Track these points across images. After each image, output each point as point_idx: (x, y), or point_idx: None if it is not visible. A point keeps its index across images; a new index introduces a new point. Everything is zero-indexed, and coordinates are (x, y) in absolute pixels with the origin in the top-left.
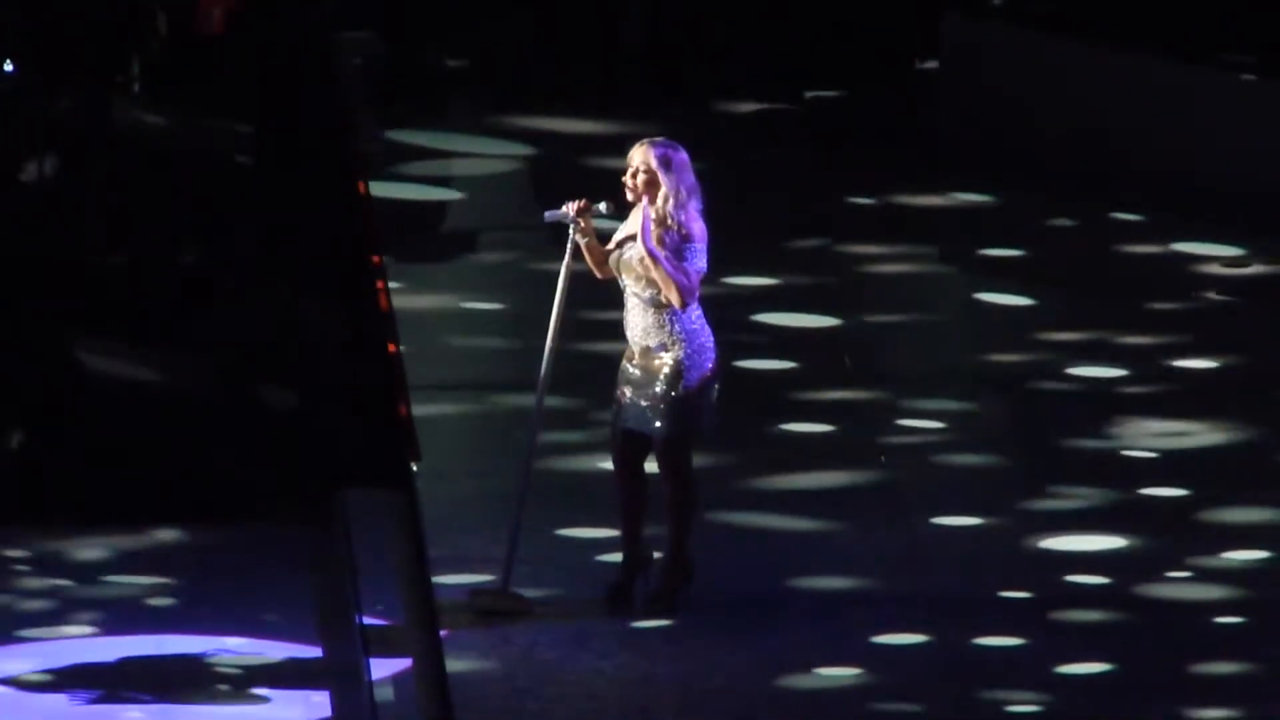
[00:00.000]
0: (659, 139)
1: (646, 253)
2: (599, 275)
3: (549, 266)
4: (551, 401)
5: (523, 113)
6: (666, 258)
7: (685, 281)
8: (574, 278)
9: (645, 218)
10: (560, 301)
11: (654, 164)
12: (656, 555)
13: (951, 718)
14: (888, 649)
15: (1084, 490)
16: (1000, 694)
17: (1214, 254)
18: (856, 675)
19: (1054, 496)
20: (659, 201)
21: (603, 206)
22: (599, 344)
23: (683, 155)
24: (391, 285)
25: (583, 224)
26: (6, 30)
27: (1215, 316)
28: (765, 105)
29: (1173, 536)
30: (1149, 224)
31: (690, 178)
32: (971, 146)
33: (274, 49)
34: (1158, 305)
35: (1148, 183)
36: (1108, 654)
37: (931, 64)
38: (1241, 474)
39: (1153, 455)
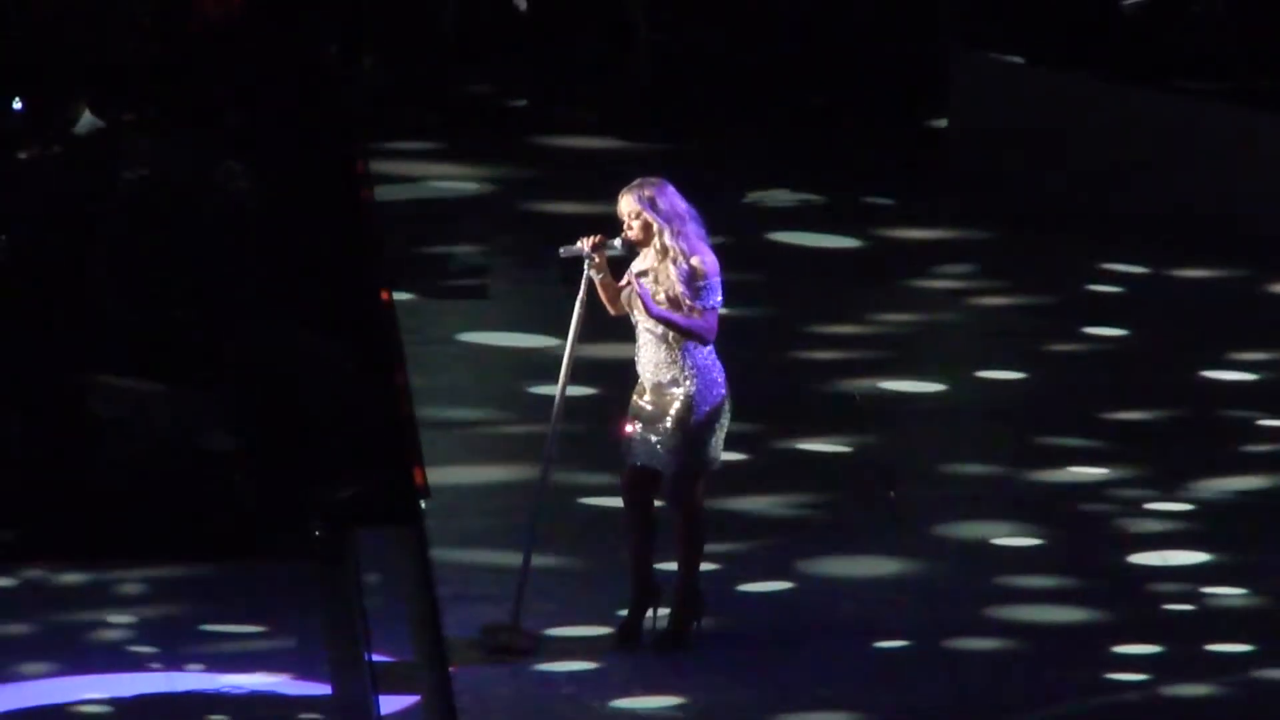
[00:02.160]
0: (636, 181)
1: (656, 319)
2: (612, 311)
3: (563, 301)
4: (563, 436)
5: (538, 133)
6: (678, 314)
7: (702, 325)
8: (587, 313)
9: (640, 287)
10: (574, 337)
11: (639, 207)
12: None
13: None
14: (899, 684)
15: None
16: None
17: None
18: (861, 715)
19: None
20: (656, 238)
21: (617, 242)
22: (611, 380)
23: (667, 188)
24: (400, 321)
25: (597, 259)
26: (14, 67)
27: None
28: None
29: None
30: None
31: (680, 204)
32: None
33: (278, 75)
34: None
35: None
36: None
37: (941, 122)
38: None
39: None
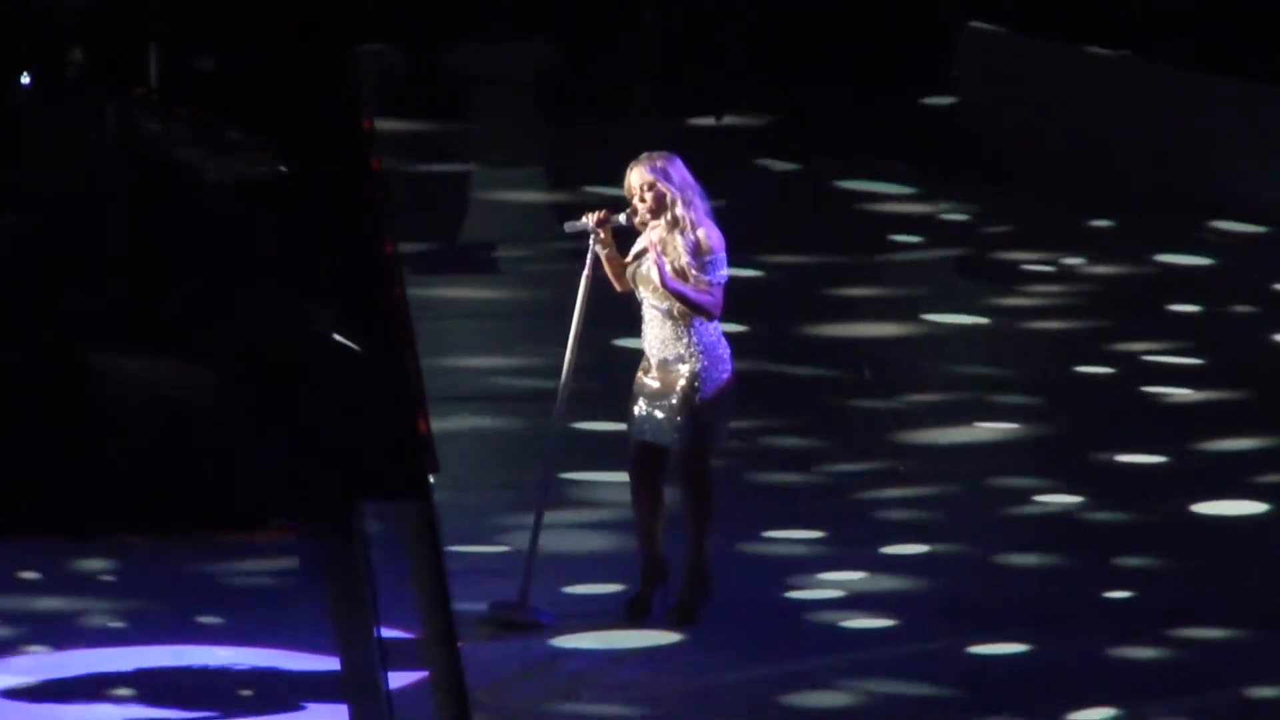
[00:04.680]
0: (644, 155)
1: (669, 291)
2: (618, 287)
3: (569, 277)
4: (570, 412)
5: (547, 118)
6: (689, 286)
7: (710, 299)
8: (593, 290)
9: (658, 255)
10: (580, 313)
11: (652, 177)
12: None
13: None
14: (909, 665)
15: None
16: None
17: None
18: (872, 693)
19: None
20: (668, 209)
21: (622, 218)
22: (618, 355)
23: (676, 160)
24: (409, 295)
25: (602, 235)
26: (23, 41)
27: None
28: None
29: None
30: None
31: (690, 178)
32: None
33: (290, 57)
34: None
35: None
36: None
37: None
38: None
39: None
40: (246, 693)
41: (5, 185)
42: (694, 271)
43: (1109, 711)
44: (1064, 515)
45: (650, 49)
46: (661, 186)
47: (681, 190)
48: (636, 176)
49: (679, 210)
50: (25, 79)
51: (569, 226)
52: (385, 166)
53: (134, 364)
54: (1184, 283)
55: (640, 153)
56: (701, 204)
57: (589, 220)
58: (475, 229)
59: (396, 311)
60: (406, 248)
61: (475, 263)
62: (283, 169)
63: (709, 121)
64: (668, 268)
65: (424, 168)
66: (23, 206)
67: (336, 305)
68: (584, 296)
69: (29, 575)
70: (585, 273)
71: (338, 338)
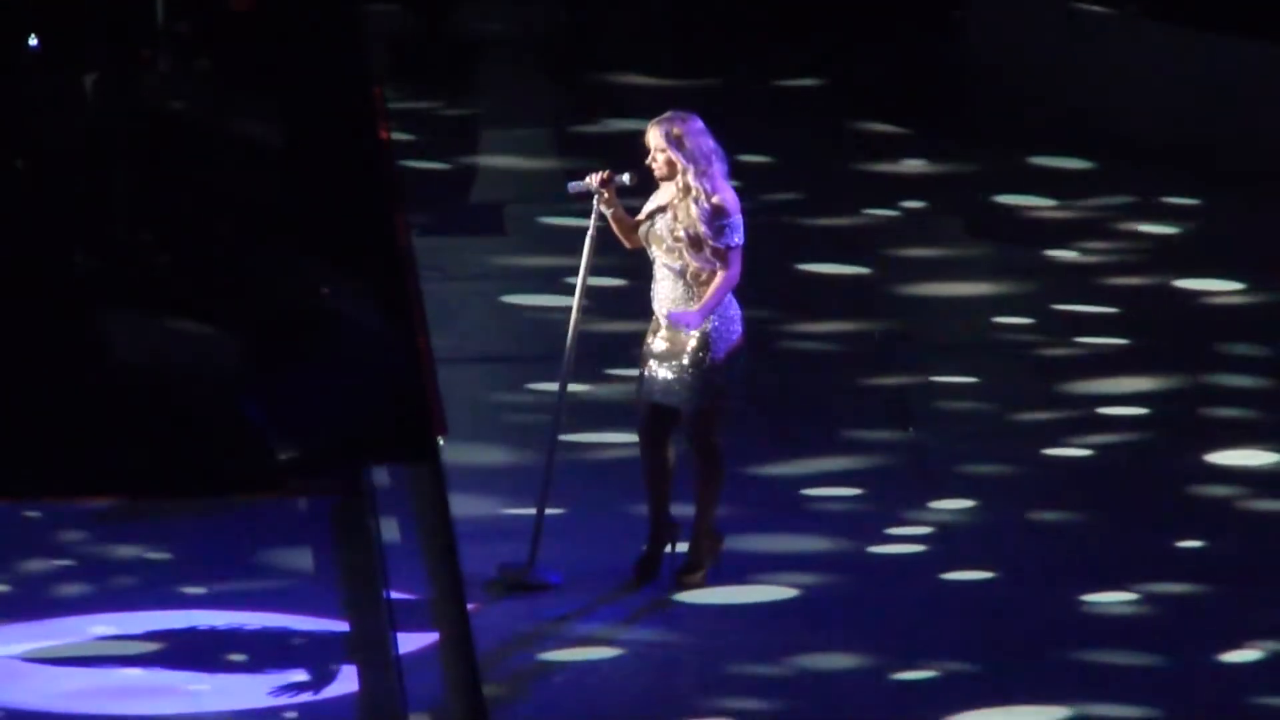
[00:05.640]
0: (666, 115)
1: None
2: (627, 245)
3: (575, 236)
4: (577, 373)
5: (554, 76)
6: (704, 250)
7: (729, 278)
8: (599, 249)
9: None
10: (584, 273)
11: (665, 144)
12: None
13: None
14: (914, 631)
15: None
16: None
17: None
18: (876, 657)
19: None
20: (679, 176)
21: (626, 178)
22: (626, 316)
23: (695, 123)
24: (418, 259)
25: (606, 195)
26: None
27: None
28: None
29: None
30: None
31: (707, 142)
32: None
33: (300, 21)
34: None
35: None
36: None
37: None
38: None
39: None
40: (256, 654)
41: (15, 147)
42: (709, 240)
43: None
44: None
45: (656, 7)
46: (671, 155)
47: (693, 159)
48: (652, 138)
49: (690, 179)
50: (33, 41)
51: (573, 187)
52: (392, 129)
53: (143, 327)
54: None
55: (654, 114)
56: (720, 167)
57: (592, 180)
58: (484, 191)
59: (405, 276)
60: (415, 214)
61: (484, 224)
62: (292, 132)
63: (716, 82)
64: (679, 228)
65: (431, 130)
66: (33, 169)
67: (345, 270)
68: (588, 256)
69: (43, 537)
70: (589, 233)
71: (345, 299)
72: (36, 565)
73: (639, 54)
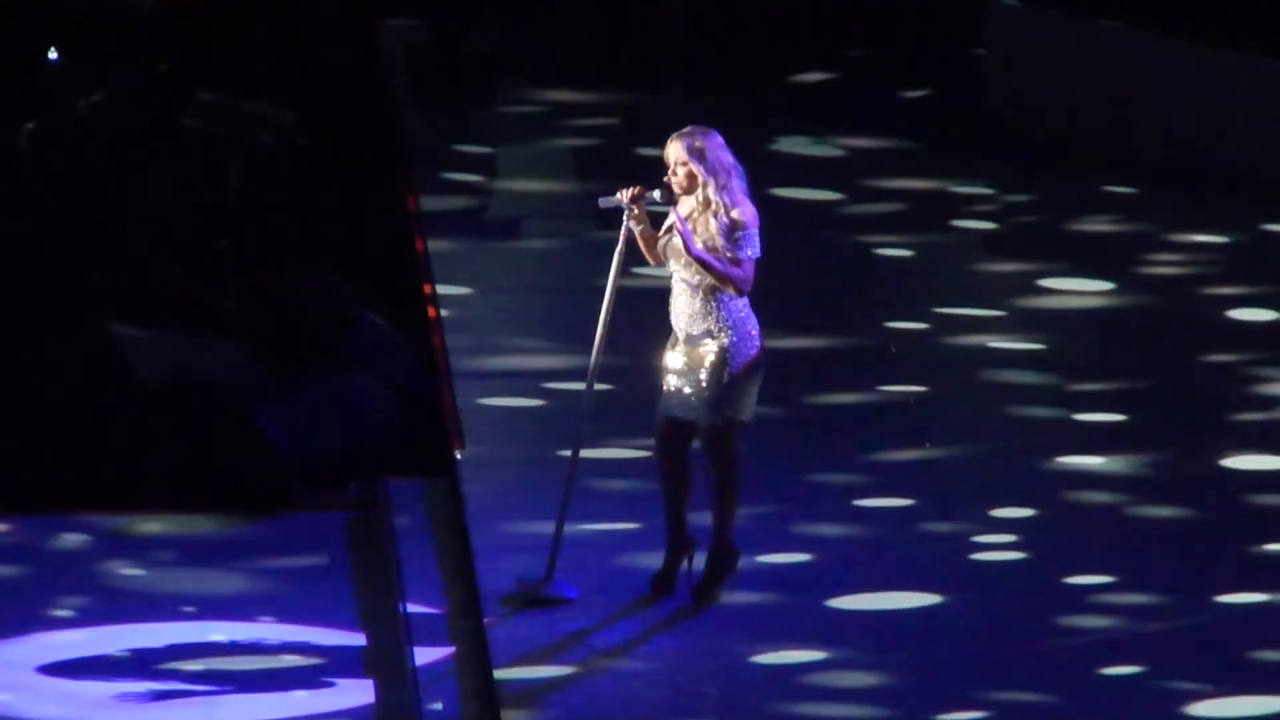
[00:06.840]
0: (687, 129)
1: (694, 259)
2: (652, 262)
3: (600, 254)
4: (599, 389)
5: (571, 90)
6: (716, 257)
7: (740, 273)
8: (626, 266)
9: (682, 224)
10: (612, 291)
11: (686, 157)
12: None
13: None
14: (936, 649)
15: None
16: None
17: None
18: (897, 676)
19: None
20: (699, 190)
21: (656, 194)
22: (649, 331)
23: (715, 138)
24: (436, 272)
25: (636, 211)
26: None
27: None
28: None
29: None
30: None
31: (727, 158)
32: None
33: (321, 36)
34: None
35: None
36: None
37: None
38: None
39: None
40: (273, 668)
41: (33, 162)
42: (727, 253)
43: None
44: None
45: (677, 26)
46: (693, 167)
47: (714, 173)
48: (673, 152)
49: (710, 193)
50: (53, 54)
51: (604, 202)
52: (415, 146)
53: (158, 341)
54: None
55: (673, 130)
56: (739, 183)
57: (623, 196)
58: (503, 209)
59: (422, 289)
60: (434, 230)
61: (503, 241)
62: (310, 145)
63: (737, 95)
64: (695, 240)
65: (453, 147)
66: (56, 182)
67: (363, 284)
68: (616, 273)
69: (57, 549)
70: (618, 248)
71: (364, 314)
72: (52, 578)
73: (643, 68)
